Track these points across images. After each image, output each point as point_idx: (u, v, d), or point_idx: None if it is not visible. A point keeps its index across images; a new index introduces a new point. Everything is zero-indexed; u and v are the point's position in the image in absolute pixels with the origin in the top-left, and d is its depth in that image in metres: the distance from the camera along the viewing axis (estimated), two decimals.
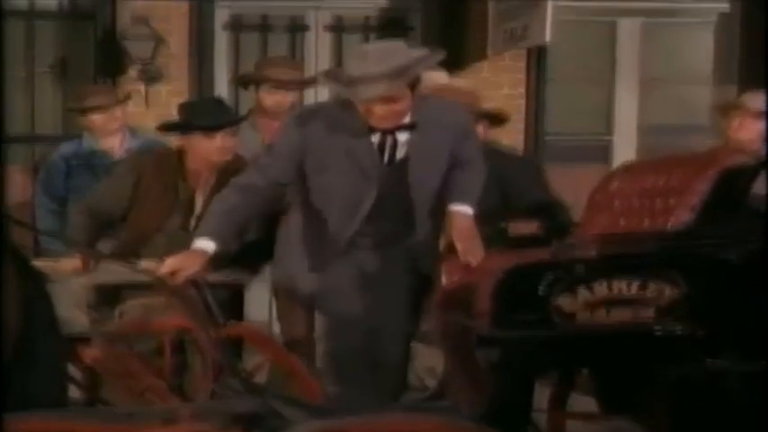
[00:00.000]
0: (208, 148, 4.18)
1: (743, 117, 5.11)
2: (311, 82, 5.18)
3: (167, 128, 4.37)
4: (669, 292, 2.75)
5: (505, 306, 2.79)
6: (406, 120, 3.53)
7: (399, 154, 3.59)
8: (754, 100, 5.20)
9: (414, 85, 3.48)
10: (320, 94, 6.59)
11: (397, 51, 3.45)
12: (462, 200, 3.61)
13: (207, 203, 4.10)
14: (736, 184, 2.94)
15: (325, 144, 3.57)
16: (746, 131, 5.10)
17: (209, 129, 4.16)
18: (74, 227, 4.33)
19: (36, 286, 2.89)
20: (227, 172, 4.11)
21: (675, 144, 6.69)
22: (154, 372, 3.50)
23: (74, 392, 3.40)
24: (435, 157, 3.62)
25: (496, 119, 4.46)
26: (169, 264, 3.49)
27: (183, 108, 4.37)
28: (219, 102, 4.52)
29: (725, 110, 5.28)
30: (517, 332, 2.78)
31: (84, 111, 5.13)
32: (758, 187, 3.03)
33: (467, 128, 3.75)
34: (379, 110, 3.43)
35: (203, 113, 4.22)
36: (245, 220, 3.74)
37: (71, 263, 4.05)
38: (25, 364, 2.56)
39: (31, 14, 6.78)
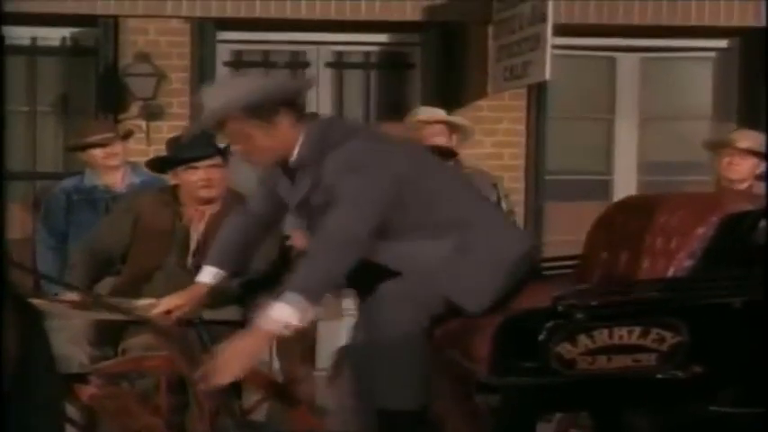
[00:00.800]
0: (193, 182, 4.17)
1: (732, 155, 5.13)
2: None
3: (154, 164, 4.38)
4: (670, 338, 2.74)
5: (505, 353, 2.78)
6: (293, 156, 3.22)
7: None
8: (743, 138, 5.23)
9: (269, 119, 3.14)
10: None
11: (223, 90, 3.30)
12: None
13: (202, 240, 4.11)
14: (739, 230, 2.93)
15: (274, 184, 3.44)
16: (736, 170, 5.13)
17: (190, 161, 4.15)
18: (74, 265, 4.33)
19: (33, 324, 2.88)
20: (221, 207, 4.13)
21: (675, 181, 6.71)
22: (151, 410, 3.49)
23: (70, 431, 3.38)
24: (324, 195, 3.14)
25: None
26: (165, 303, 3.49)
27: (169, 143, 4.38)
28: (205, 135, 4.52)
29: (714, 148, 5.30)
30: (516, 379, 2.76)
31: (85, 146, 5.14)
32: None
33: (342, 166, 3.09)
34: (236, 149, 3.28)
35: (187, 147, 4.22)
36: (251, 240, 3.64)
37: (69, 300, 4.03)
38: (22, 403, 2.54)
39: (33, 50, 6.81)
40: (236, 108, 3.14)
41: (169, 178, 4.34)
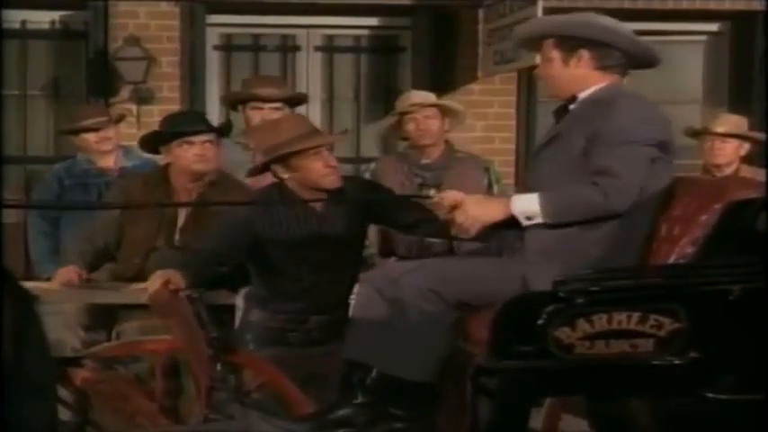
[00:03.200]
0: (187, 157, 4.18)
1: (713, 140, 5.19)
2: (299, 98, 5.18)
3: (147, 140, 4.37)
4: (669, 324, 2.74)
5: (505, 336, 2.78)
6: (581, 95, 3.39)
7: None
8: (721, 122, 5.28)
9: (571, 53, 3.33)
10: (311, 111, 6.61)
11: (566, 15, 3.46)
12: None
13: (189, 216, 4.13)
14: (742, 218, 2.92)
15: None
16: (719, 154, 5.19)
17: (186, 135, 4.16)
18: (69, 251, 4.32)
19: (28, 308, 2.88)
20: (212, 185, 4.15)
21: None
22: (145, 394, 3.49)
23: (64, 415, 3.38)
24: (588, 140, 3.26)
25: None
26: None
27: (163, 121, 4.41)
28: (198, 113, 4.53)
29: (695, 135, 5.35)
30: (514, 363, 2.76)
31: (78, 130, 5.13)
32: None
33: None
34: (539, 73, 3.56)
35: (181, 123, 4.25)
36: None
37: (63, 276, 4.03)
38: (17, 387, 2.55)
39: (23, 34, 6.79)
40: (550, 31, 3.36)
41: (161, 158, 4.34)
